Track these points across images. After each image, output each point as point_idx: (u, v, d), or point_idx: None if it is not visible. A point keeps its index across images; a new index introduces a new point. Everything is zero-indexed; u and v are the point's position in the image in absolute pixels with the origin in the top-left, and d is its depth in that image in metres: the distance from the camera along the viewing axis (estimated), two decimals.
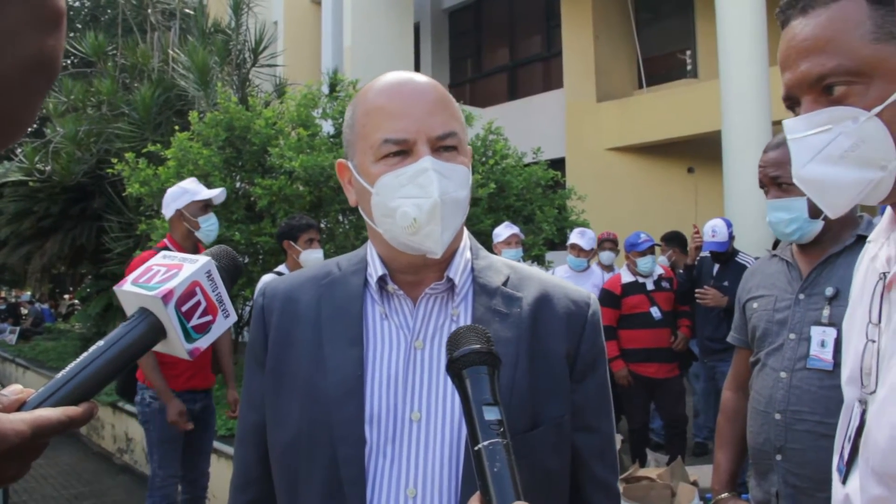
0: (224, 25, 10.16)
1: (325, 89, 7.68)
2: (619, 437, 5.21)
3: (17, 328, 16.01)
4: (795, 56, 1.00)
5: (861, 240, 1.91)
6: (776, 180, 2.01)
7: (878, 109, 0.92)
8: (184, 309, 0.85)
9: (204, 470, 4.25)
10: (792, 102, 1.05)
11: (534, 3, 14.33)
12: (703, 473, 4.72)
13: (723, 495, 2.20)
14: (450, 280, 1.16)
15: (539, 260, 7.34)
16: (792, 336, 1.95)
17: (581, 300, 1.22)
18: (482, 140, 7.55)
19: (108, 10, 16.82)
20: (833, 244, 1.96)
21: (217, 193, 4.09)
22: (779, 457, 1.93)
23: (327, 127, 7.21)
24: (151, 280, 0.86)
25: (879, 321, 1.01)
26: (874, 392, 0.99)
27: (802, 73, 0.99)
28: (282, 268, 4.52)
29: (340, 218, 6.75)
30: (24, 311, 20.93)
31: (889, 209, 1.05)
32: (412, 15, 12.54)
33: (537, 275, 1.25)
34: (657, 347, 5.48)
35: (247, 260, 6.72)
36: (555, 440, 1.12)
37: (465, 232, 1.22)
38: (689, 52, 12.57)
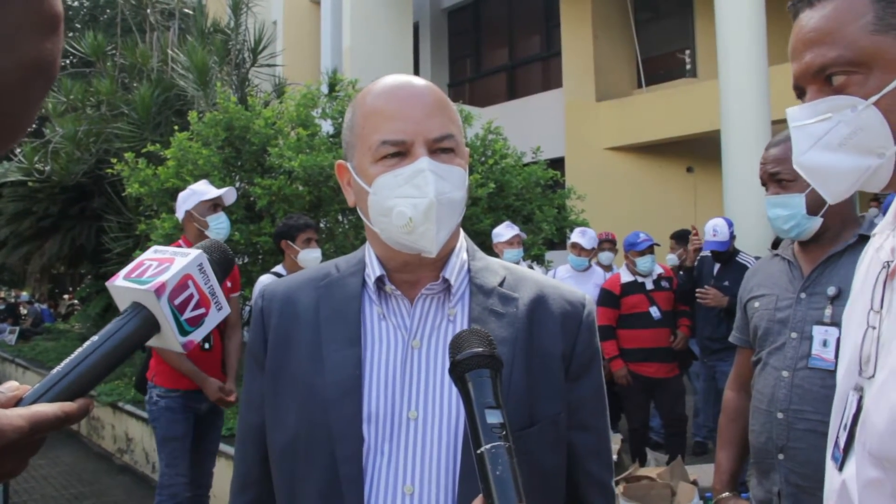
0: (223, 25, 10.17)
1: (325, 89, 7.68)
2: (618, 437, 5.22)
3: (17, 328, 16.01)
4: (801, 47, 1.03)
5: (863, 239, 1.91)
6: (775, 176, 2.02)
7: (875, 98, 0.95)
8: (176, 302, 0.86)
9: (208, 470, 4.26)
10: (800, 92, 1.08)
11: (533, 3, 14.34)
12: (703, 473, 4.72)
13: (724, 495, 2.20)
14: (446, 280, 1.17)
15: (538, 259, 7.35)
16: (794, 335, 1.95)
17: (576, 301, 1.23)
18: (481, 140, 7.55)
19: (108, 10, 16.81)
20: (834, 243, 1.96)
21: (225, 192, 4.15)
22: (781, 456, 1.93)
23: (326, 127, 7.21)
24: (143, 274, 0.87)
25: (881, 308, 1.03)
26: (872, 377, 1.01)
27: (806, 64, 1.02)
28: (279, 268, 4.51)
29: (340, 218, 6.75)
30: (23, 311, 20.92)
31: None
32: (411, 15, 12.55)
33: (533, 276, 1.27)
34: (657, 347, 5.48)
35: (246, 260, 6.72)
36: (551, 438, 1.14)
37: (462, 234, 1.24)
38: (688, 52, 12.58)
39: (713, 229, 5.54)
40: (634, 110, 11.76)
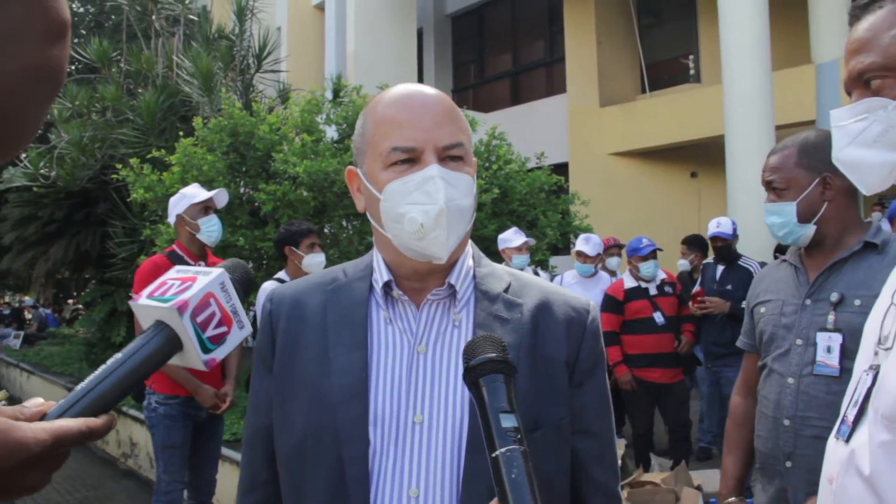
0: (228, 31, 10.20)
1: (329, 95, 7.71)
2: (622, 442, 5.21)
3: (21, 333, 16.05)
4: (848, 55, 1.16)
5: (868, 246, 1.92)
6: (771, 185, 2.06)
7: None
8: (199, 320, 0.87)
9: (210, 476, 4.24)
10: (850, 95, 1.20)
11: (536, 9, 14.36)
12: (707, 478, 4.71)
13: (729, 500, 2.20)
14: (451, 286, 1.18)
15: (543, 265, 7.35)
16: (799, 342, 1.95)
17: (581, 307, 1.25)
18: (486, 145, 7.57)
19: (113, 17, 16.88)
20: (839, 250, 1.96)
21: (215, 194, 4.09)
22: (789, 463, 1.93)
23: (331, 132, 7.23)
24: (166, 293, 0.88)
25: None
26: (890, 348, 1.07)
27: (850, 70, 1.15)
28: (281, 274, 4.51)
29: (344, 223, 6.76)
30: (28, 315, 20.97)
31: None
32: (415, 20, 12.58)
33: (538, 282, 1.28)
34: (661, 352, 5.47)
35: (251, 265, 6.73)
36: (554, 443, 1.14)
37: (469, 241, 1.25)
38: (692, 57, 12.58)
39: (717, 222, 5.61)
40: (638, 115, 11.76)
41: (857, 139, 1.14)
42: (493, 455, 0.89)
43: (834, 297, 1.90)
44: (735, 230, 5.63)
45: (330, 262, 4.75)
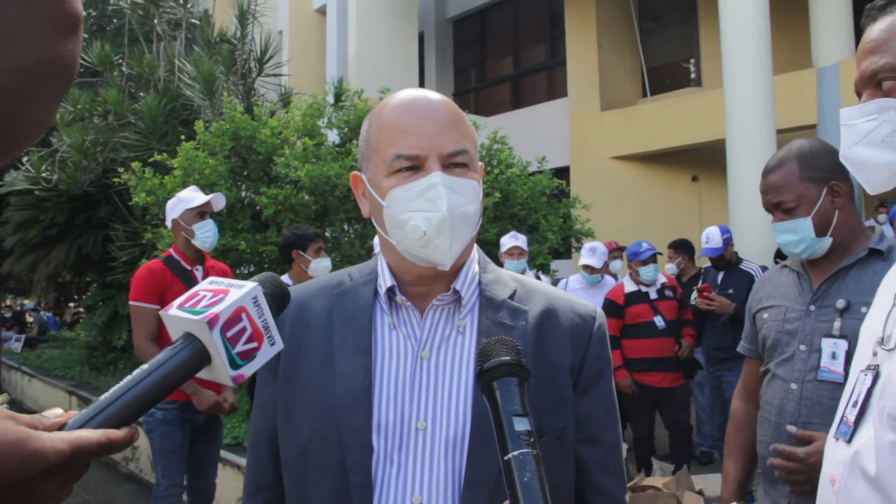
0: (229, 35, 10.22)
1: (331, 99, 7.71)
2: (624, 447, 5.19)
3: (23, 336, 16.03)
4: (861, 56, 1.17)
5: (873, 253, 1.91)
6: (780, 206, 2.00)
7: None
8: (229, 335, 0.84)
9: (210, 480, 4.23)
10: (859, 96, 1.21)
11: (538, 13, 14.38)
12: (708, 482, 4.70)
13: None
14: (456, 292, 1.18)
15: (544, 269, 7.35)
16: (802, 347, 1.95)
17: (587, 314, 1.24)
18: (487, 149, 7.58)
19: (115, 20, 16.90)
20: (844, 257, 1.96)
21: (211, 198, 4.04)
22: None
23: (333, 136, 7.24)
24: (197, 305, 0.86)
25: None
26: (892, 349, 1.07)
27: (862, 70, 1.16)
28: (285, 277, 4.49)
29: (346, 227, 6.77)
30: (29, 319, 20.96)
31: None
32: (416, 24, 12.60)
33: (544, 289, 1.27)
34: (661, 356, 5.46)
35: (252, 269, 6.73)
36: (558, 451, 1.13)
37: (475, 246, 1.25)
38: (692, 61, 12.60)
39: (706, 237, 5.58)
40: (639, 119, 11.77)
41: (866, 139, 1.14)
42: (506, 458, 0.88)
43: (840, 303, 1.89)
44: (727, 239, 5.59)
45: (332, 265, 4.75)
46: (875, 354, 1.10)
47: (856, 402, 1.10)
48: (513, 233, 5.73)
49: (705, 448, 6.32)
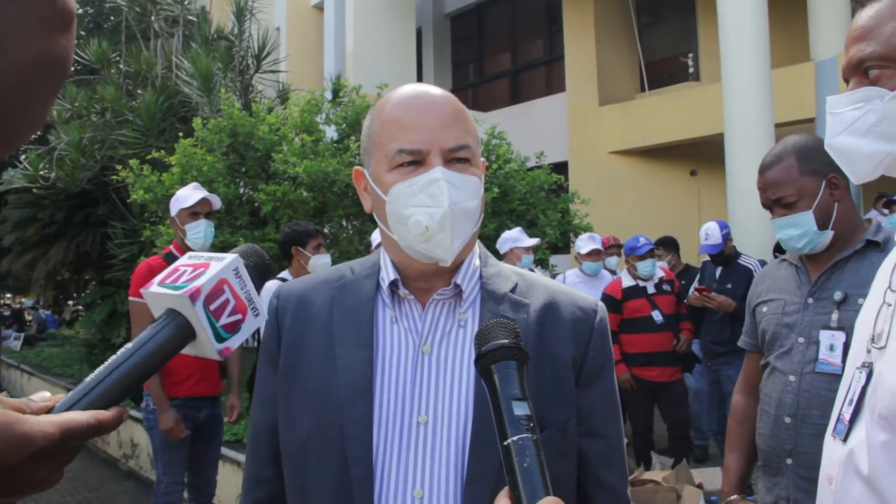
0: (227, 32, 10.20)
1: (329, 95, 7.70)
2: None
3: (22, 334, 16.04)
4: (849, 42, 1.16)
5: (870, 244, 1.91)
6: (780, 201, 2.00)
7: None
8: (212, 307, 0.84)
9: (210, 478, 4.24)
10: (847, 83, 1.20)
11: (535, 8, 14.35)
12: (708, 476, 4.72)
13: (732, 497, 2.21)
14: (457, 286, 1.18)
15: (543, 264, 7.35)
16: (801, 340, 1.95)
17: (588, 307, 1.24)
18: (485, 144, 7.57)
19: (112, 18, 16.88)
20: (842, 249, 1.96)
21: (202, 199, 3.98)
22: (789, 460, 1.94)
23: (331, 132, 7.23)
24: (178, 280, 0.85)
25: None
26: (884, 348, 1.06)
27: (849, 58, 1.16)
28: (285, 274, 4.49)
29: (344, 223, 6.76)
30: (28, 317, 20.96)
31: None
32: (414, 20, 12.58)
33: (546, 282, 1.27)
34: (659, 351, 5.47)
35: None
36: (559, 445, 1.13)
37: (476, 240, 1.25)
38: (691, 55, 12.58)
39: (705, 233, 5.55)
40: (638, 114, 11.76)
41: (851, 127, 1.13)
42: (505, 444, 0.87)
43: (838, 295, 1.89)
44: (726, 235, 5.57)
45: (331, 262, 4.75)
46: (869, 352, 1.10)
47: (851, 401, 1.10)
48: (519, 228, 5.74)
49: (702, 443, 6.32)
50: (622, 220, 10.02)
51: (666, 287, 5.64)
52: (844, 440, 1.09)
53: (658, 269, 5.69)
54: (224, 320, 0.85)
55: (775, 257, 3.58)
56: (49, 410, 0.71)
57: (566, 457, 1.16)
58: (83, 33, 15.96)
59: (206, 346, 0.84)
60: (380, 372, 1.15)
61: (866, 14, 1.14)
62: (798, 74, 9.48)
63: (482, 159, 1.21)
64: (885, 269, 1.18)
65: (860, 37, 1.13)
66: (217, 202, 4.15)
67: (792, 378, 1.94)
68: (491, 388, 0.92)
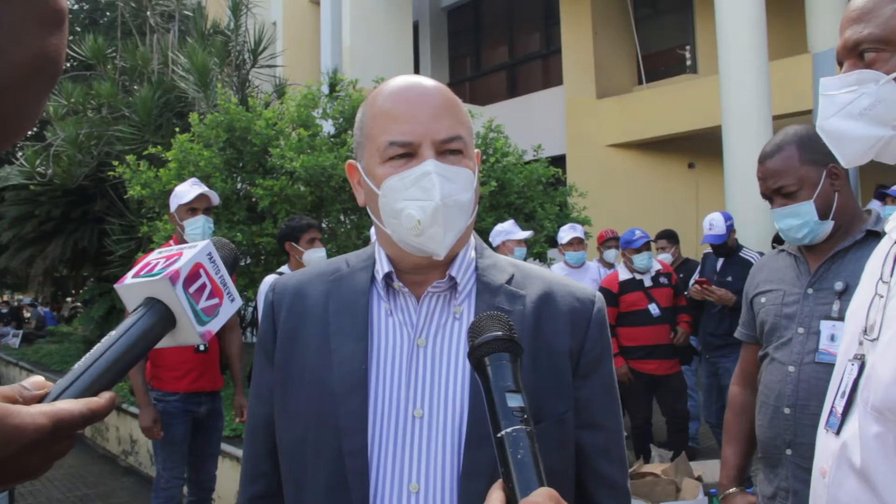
0: (223, 26, 10.17)
1: (325, 89, 7.68)
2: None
3: (20, 332, 16.05)
4: (845, 24, 1.14)
5: (870, 234, 1.91)
6: (780, 191, 1.99)
7: (895, 74, 1.05)
8: (191, 290, 0.85)
9: (210, 473, 4.24)
10: (841, 65, 1.18)
11: (532, 1, 14.32)
12: (707, 468, 4.73)
13: (731, 490, 2.20)
14: (452, 278, 1.17)
15: (541, 257, 7.35)
16: (800, 330, 1.95)
17: (586, 298, 1.22)
18: (483, 138, 7.55)
19: (107, 13, 16.84)
20: (842, 239, 1.96)
21: (199, 195, 3.97)
22: (789, 451, 1.93)
23: (328, 127, 7.21)
24: (153, 270, 0.86)
25: (891, 277, 1.09)
26: (876, 339, 1.05)
27: (845, 39, 1.12)
28: (284, 269, 4.53)
29: (342, 217, 6.75)
30: (26, 314, 20.97)
31: None
32: (411, 14, 12.55)
33: (542, 273, 1.26)
34: (657, 344, 5.47)
35: (249, 261, 6.72)
36: (557, 437, 1.12)
37: (471, 232, 1.23)
38: (688, 48, 12.57)
39: (709, 223, 5.52)
40: (635, 107, 11.75)
41: (844, 110, 1.11)
42: (499, 435, 0.86)
43: (839, 286, 1.89)
44: (730, 226, 5.55)
45: (329, 256, 4.75)
46: (861, 344, 1.09)
47: (844, 393, 1.09)
48: (512, 221, 5.72)
49: (692, 445, 6.22)
50: (620, 212, 10.02)
51: (663, 280, 5.63)
52: (837, 433, 1.08)
53: (655, 261, 5.68)
54: (203, 303, 0.87)
55: (774, 248, 3.58)
56: (42, 399, 0.71)
57: (564, 449, 1.15)
58: (79, 29, 15.92)
59: (187, 330, 0.85)
60: (375, 365, 1.14)
61: None
62: (795, 66, 9.47)
63: (477, 150, 1.20)
64: (875, 260, 1.16)
65: (857, 18, 1.11)
66: (215, 198, 4.14)
67: (791, 369, 1.94)
68: (484, 380, 0.91)
